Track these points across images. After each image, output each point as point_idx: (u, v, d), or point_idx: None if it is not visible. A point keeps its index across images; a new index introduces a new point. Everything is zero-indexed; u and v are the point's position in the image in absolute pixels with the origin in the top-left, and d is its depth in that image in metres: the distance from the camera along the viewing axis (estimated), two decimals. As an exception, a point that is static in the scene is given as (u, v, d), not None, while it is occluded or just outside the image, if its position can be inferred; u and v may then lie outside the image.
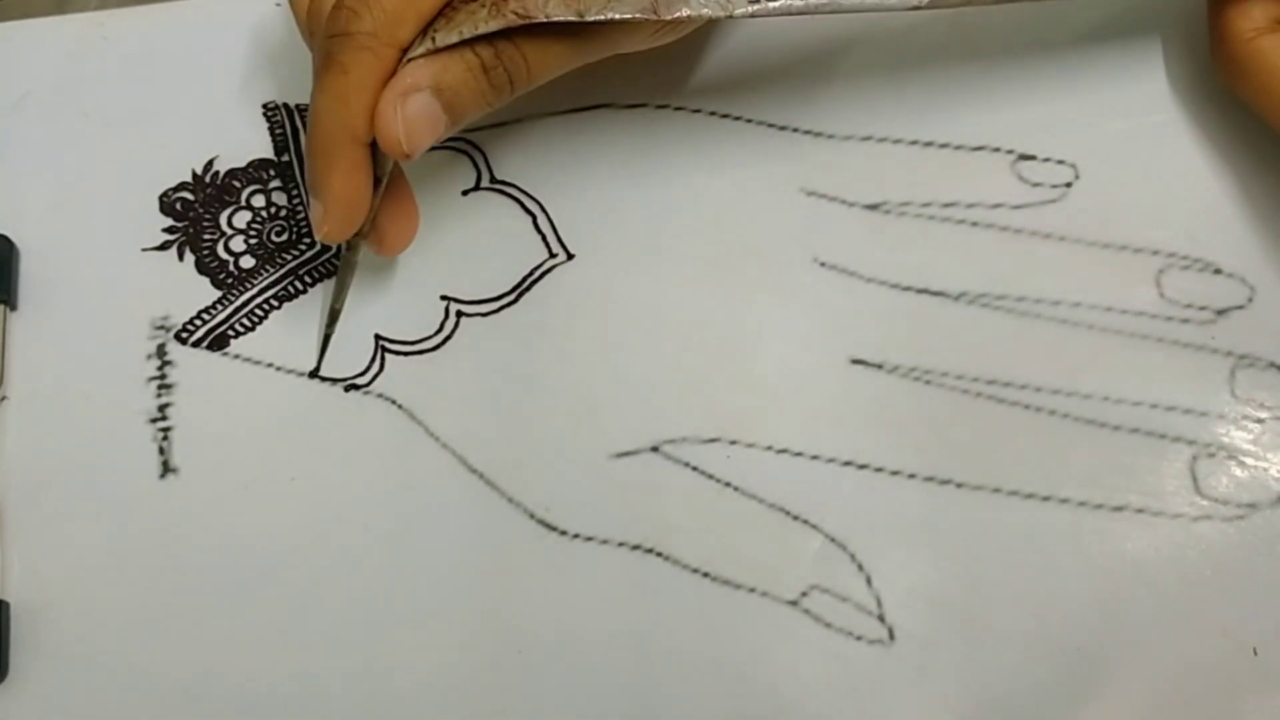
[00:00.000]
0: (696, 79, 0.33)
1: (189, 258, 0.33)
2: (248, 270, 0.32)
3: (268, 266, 0.32)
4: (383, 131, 0.26)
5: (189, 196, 0.33)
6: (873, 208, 0.32)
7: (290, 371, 0.31)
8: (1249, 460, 0.28)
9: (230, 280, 0.32)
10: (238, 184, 0.33)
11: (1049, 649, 0.27)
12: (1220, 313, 0.30)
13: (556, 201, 0.32)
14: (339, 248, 0.32)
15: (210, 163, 0.34)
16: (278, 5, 0.35)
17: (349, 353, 0.31)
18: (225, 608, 0.29)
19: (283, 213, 0.33)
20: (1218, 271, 0.30)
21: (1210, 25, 0.30)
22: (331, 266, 0.32)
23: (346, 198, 0.27)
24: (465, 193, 0.33)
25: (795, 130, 0.33)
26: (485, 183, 0.33)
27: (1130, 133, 0.32)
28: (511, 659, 0.28)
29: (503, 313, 0.31)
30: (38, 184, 0.34)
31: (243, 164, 0.34)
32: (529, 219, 0.32)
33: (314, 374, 0.31)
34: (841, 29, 0.33)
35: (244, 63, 0.35)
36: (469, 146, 0.33)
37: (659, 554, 0.29)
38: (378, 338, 0.31)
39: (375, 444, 0.30)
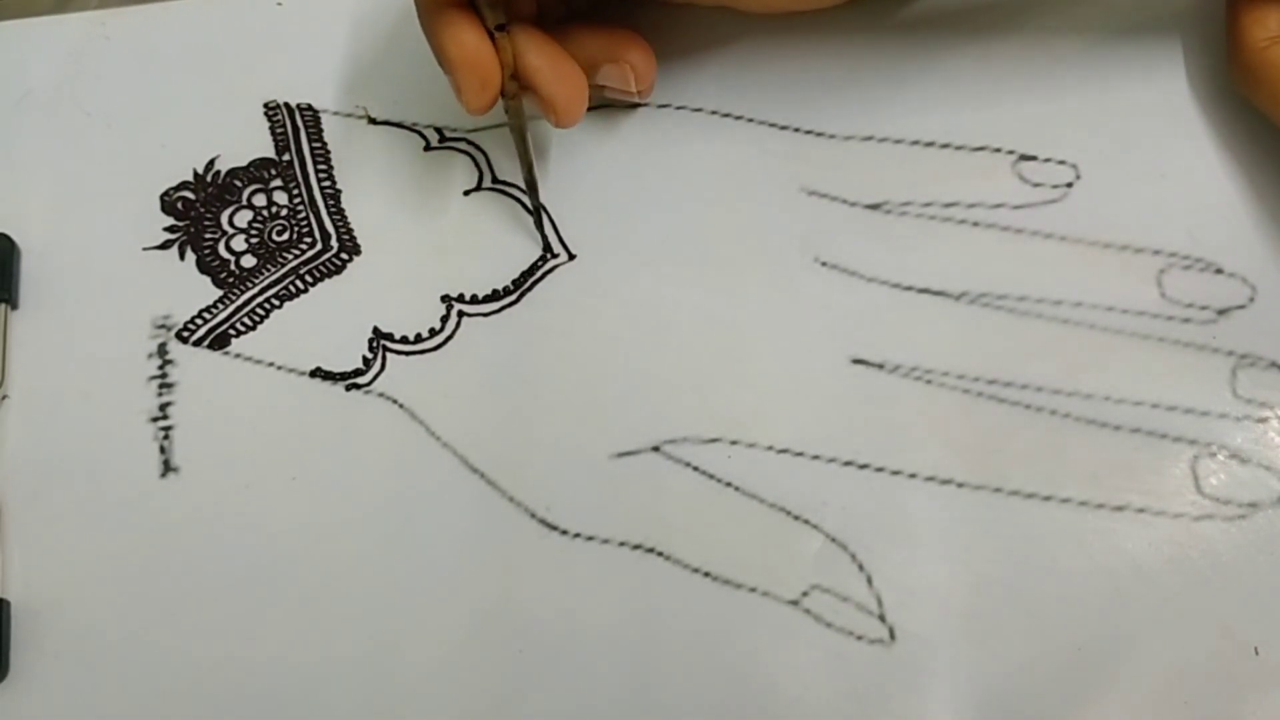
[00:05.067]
0: (696, 79, 0.33)
1: (190, 257, 0.33)
2: (249, 269, 0.32)
3: (269, 265, 0.32)
4: None
5: (190, 196, 0.33)
6: (873, 208, 0.32)
7: (291, 371, 0.31)
8: (1250, 460, 0.28)
9: (231, 279, 0.32)
10: (239, 183, 0.33)
11: (1049, 649, 0.27)
12: (1221, 312, 0.30)
13: (558, 202, 0.32)
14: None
15: (211, 162, 0.34)
16: (279, 5, 0.35)
17: (349, 352, 0.31)
18: (225, 607, 0.29)
19: (284, 212, 0.33)
20: (1219, 271, 0.30)
21: (1227, 32, 0.30)
22: (331, 266, 0.32)
23: (462, 58, 0.27)
24: (467, 193, 0.33)
25: (795, 130, 0.33)
26: (487, 183, 0.33)
27: (1130, 133, 0.32)
28: (512, 658, 0.28)
29: (504, 313, 0.31)
30: (39, 183, 0.34)
31: (244, 163, 0.34)
32: (530, 219, 0.32)
33: (543, 235, 0.31)
34: (841, 29, 0.33)
35: (245, 62, 0.35)
36: (471, 147, 0.33)
37: (659, 554, 0.29)
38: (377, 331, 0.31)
39: (376, 444, 0.30)
